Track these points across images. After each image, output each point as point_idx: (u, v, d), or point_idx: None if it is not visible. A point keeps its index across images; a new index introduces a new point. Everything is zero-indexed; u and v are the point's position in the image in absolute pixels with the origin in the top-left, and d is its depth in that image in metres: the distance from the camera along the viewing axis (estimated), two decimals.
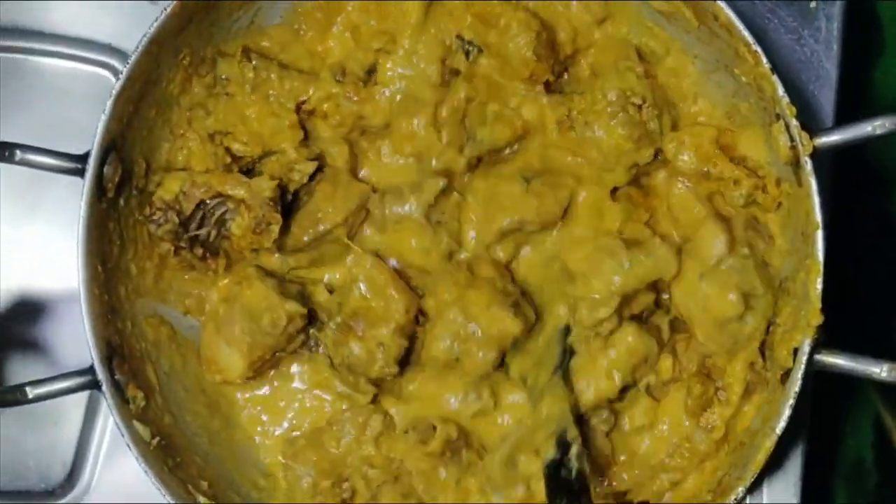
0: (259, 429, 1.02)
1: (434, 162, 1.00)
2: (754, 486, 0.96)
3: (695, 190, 1.00)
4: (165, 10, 0.92)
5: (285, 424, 1.02)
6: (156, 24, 0.92)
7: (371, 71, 1.01)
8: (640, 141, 0.98)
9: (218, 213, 0.98)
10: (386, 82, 1.00)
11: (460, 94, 0.99)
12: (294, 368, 1.02)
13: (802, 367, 0.90)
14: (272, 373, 1.02)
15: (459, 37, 1.00)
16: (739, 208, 0.98)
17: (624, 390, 1.00)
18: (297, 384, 1.02)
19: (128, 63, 0.92)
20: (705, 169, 0.98)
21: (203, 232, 0.98)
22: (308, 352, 1.01)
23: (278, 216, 0.98)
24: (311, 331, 1.01)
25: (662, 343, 0.99)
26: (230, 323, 0.98)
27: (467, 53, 1.00)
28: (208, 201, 0.97)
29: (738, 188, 0.97)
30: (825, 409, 1.05)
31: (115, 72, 1.07)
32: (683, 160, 0.98)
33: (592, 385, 0.98)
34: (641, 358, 0.98)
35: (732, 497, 0.92)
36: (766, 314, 0.97)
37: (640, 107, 0.98)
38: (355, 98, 1.01)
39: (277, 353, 1.00)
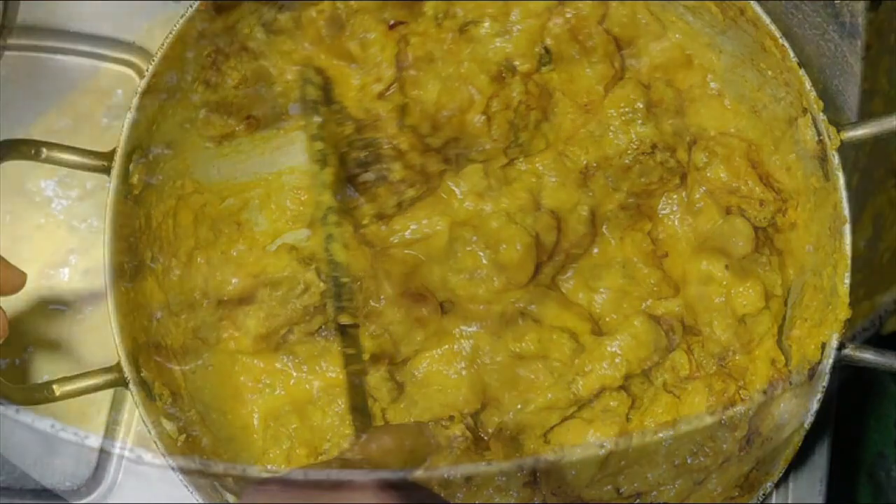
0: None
1: (477, 150, 1.00)
2: (780, 484, 0.96)
3: (716, 202, 1.00)
4: (190, 8, 0.92)
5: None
6: (180, 23, 0.92)
7: (471, 23, 0.99)
8: (662, 179, 0.99)
9: (383, 162, 0.98)
10: (481, 40, 0.98)
11: (514, 93, 0.98)
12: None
13: (830, 361, 0.90)
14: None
15: (543, 45, 0.99)
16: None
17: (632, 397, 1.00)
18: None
19: (153, 61, 0.92)
20: (735, 184, 0.98)
21: (370, 174, 0.98)
22: (324, 340, 1.01)
23: (420, 186, 0.98)
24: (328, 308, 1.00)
25: (672, 337, 0.99)
26: (251, 293, 0.99)
27: (541, 64, 1.00)
28: (383, 142, 0.98)
29: (763, 210, 0.98)
30: (847, 406, 1.05)
31: (139, 70, 1.07)
32: (713, 171, 0.98)
33: (595, 372, 0.97)
34: (650, 349, 0.98)
35: (760, 492, 0.92)
36: (777, 317, 0.98)
37: (652, 150, 0.98)
38: (447, 47, 0.99)
39: (290, 334, 1.00)
